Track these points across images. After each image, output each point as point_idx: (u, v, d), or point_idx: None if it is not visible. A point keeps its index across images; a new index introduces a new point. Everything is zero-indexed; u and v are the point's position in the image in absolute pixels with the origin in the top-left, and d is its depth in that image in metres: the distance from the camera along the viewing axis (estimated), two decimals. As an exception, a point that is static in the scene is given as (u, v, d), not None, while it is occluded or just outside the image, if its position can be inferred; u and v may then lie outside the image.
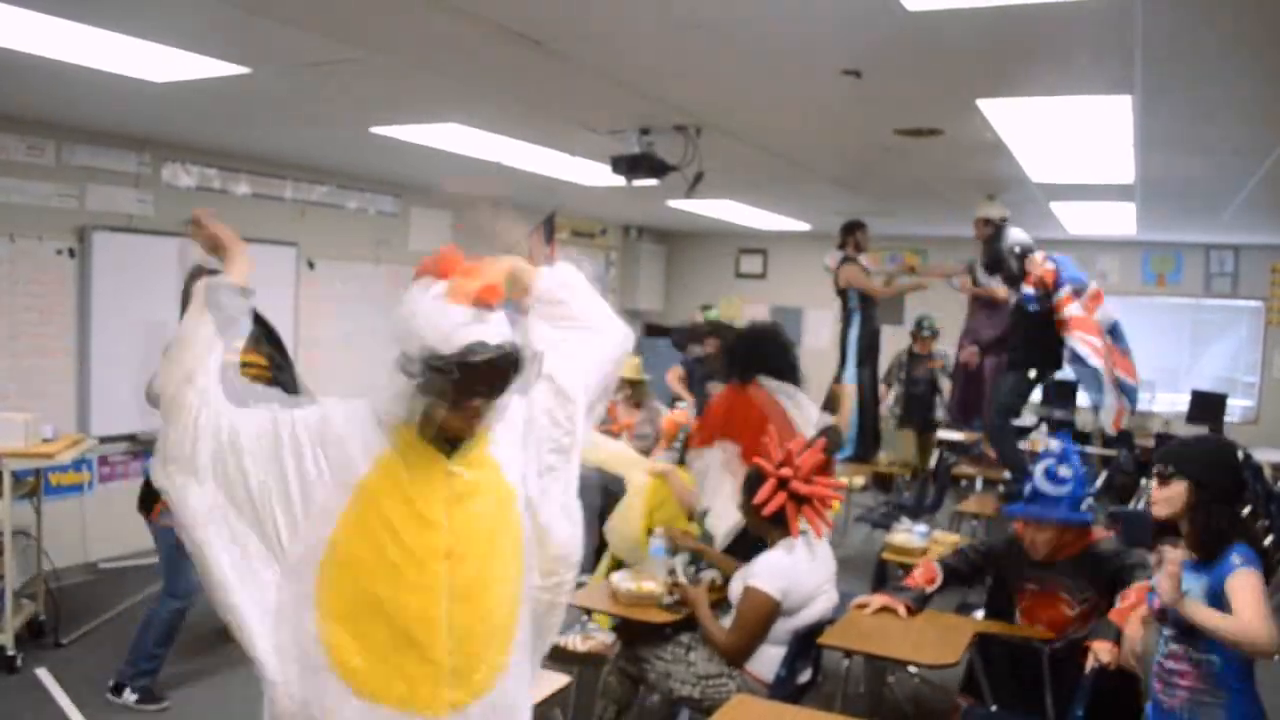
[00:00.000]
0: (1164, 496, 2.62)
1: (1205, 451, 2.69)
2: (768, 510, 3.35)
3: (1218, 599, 2.46)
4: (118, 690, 4.05)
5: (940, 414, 7.90)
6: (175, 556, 4.08)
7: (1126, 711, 3.23)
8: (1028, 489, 3.44)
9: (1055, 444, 3.53)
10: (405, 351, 1.62)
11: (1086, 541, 3.40)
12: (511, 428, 1.82)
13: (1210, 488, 2.57)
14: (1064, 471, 3.40)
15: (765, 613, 3.23)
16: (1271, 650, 2.34)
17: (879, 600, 3.50)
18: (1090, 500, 3.60)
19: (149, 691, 4.05)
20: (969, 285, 6.77)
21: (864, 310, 6.94)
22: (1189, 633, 2.53)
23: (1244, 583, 2.40)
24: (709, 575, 3.73)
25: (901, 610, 3.44)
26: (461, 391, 1.62)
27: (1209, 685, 2.48)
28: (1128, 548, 3.43)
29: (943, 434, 7.45)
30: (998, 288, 6.29)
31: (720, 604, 3.52)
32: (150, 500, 4.03)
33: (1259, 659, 2.41)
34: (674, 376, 7.42)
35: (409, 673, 1.66)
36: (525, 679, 1.85)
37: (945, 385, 7.92)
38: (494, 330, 1.64)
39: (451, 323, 1.60)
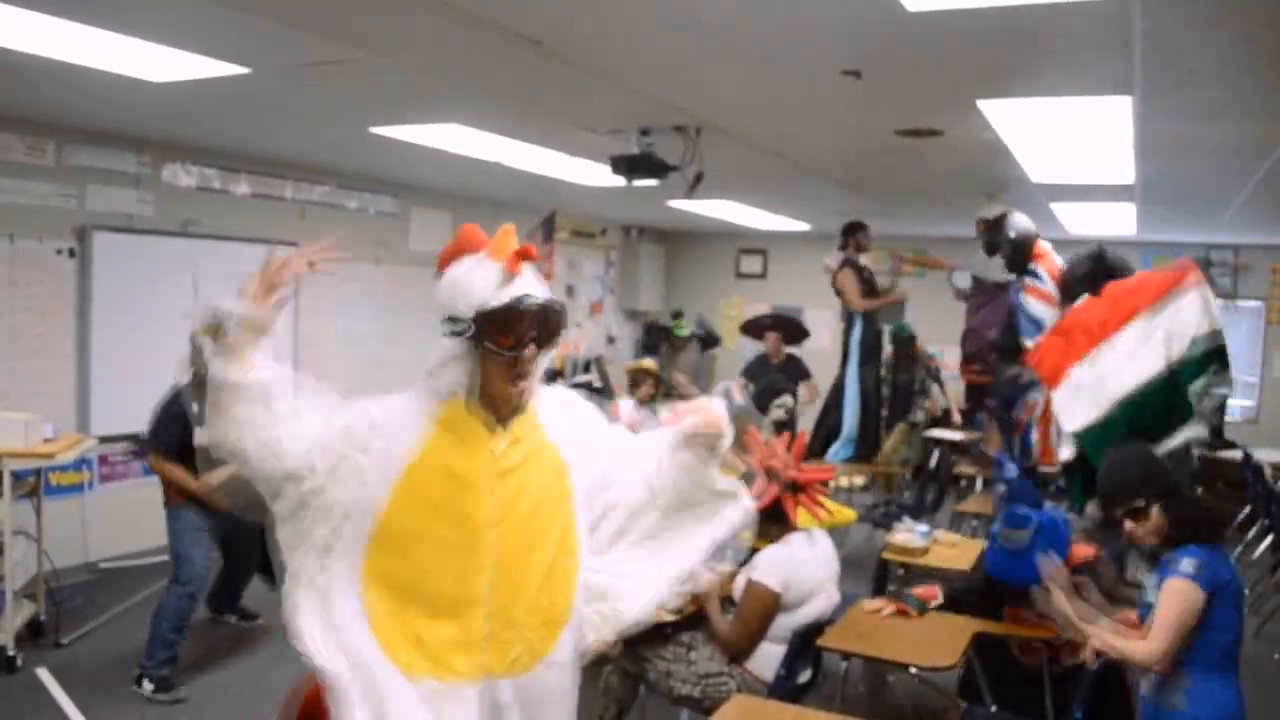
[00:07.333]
0: (1150, 529, 2.65)
1: (1141, 466, 2.76)
2: (764, 503, 3.34)
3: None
4: (139, 681, 4.10)
5: (921, 415, 7.87)
6: (184, 542, 4.15)
7: (1125, 713, 3.24)
8: (998, 538, 3.43)
9: (999, 488, 3.52)
10: (454, 315, 1.70)
11: (1072, 565, 3.37)
12: (574, 422, 1.89)
13: (1171, 493, 2.63)
14: (1020, 510, 3.41)
15: (766, 605, 3.23)
16: (1149, 665, 2.53)
17: (892, 605, 3.55)
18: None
19: (166, 681, 4.11)
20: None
21: (866, 310, 6.93)
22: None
23: (1171, 595, 2.49)
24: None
25: (912, 612, 3.51)
26: (515, 341, 1.69)
27: (1172, 668, 2.53)
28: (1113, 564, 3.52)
29: (937, 432, 7.45)
30: (961, 286, 6.41)
31: (724, 602, 3.52)
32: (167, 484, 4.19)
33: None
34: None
35: (448, 641, 1.69)
36: (570, 674, 1.84)
37: (933, 386, 7.94)
38: (535, 286, 1.73)
39: (500, 277, 1.70)
